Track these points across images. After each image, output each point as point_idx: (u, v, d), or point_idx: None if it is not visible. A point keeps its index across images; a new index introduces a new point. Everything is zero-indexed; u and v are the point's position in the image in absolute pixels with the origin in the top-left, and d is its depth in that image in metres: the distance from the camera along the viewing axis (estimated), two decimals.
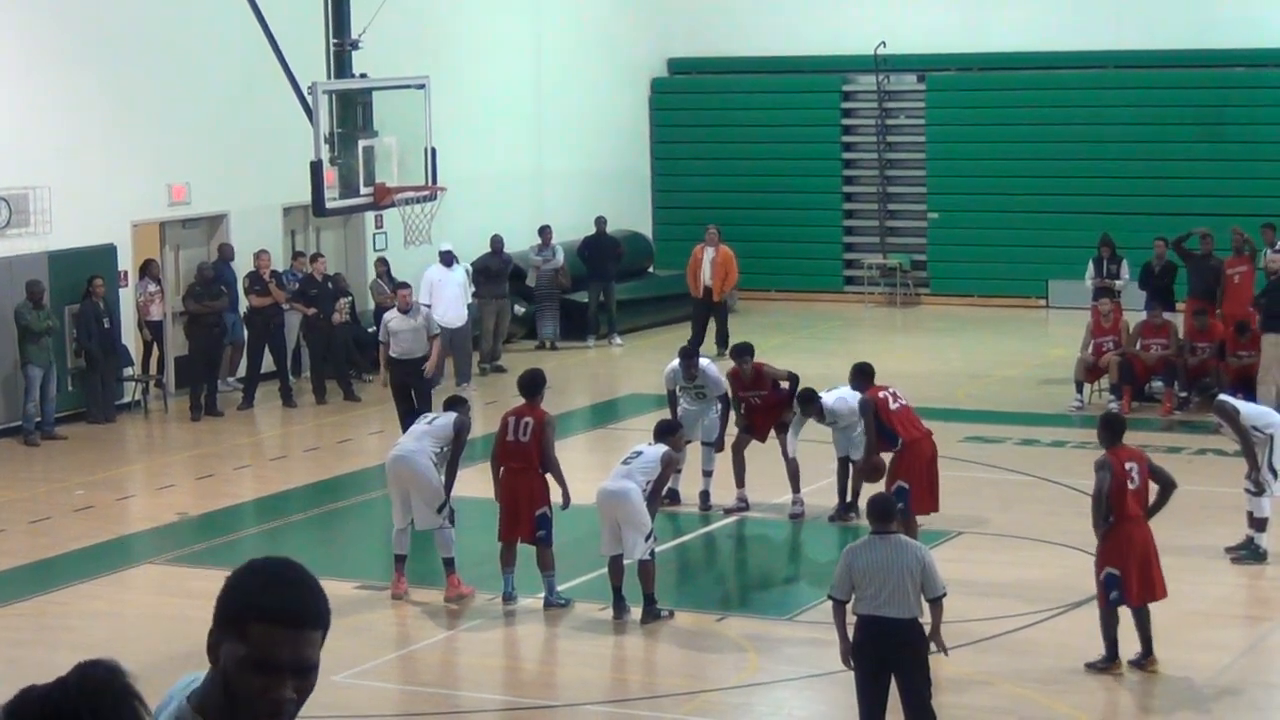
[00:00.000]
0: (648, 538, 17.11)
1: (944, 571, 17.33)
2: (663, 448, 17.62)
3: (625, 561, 17.20)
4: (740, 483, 20.73)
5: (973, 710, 14.90)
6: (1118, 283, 28.20)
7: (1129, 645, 15.61)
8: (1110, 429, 15.78)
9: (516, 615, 17.71)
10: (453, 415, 18.20)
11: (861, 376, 19.20)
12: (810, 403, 20.13)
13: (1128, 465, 15.38)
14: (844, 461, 20.29)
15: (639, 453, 17.56)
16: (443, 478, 17.89)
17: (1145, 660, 15.57)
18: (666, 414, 20.69)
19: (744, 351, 20.81)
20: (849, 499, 20.21)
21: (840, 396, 20.05)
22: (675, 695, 15.63)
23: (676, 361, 21.10)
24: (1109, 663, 15.53)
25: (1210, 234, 28.15)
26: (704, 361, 21.20)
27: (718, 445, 20.87)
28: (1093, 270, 28.82)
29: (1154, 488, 15.61)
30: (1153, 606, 17.34)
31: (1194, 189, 33.62)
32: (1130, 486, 15.30)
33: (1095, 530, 15.55)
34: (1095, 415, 25.51)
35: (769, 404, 20.56)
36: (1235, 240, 27.71)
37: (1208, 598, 17.92)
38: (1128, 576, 15.22)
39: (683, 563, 19.72)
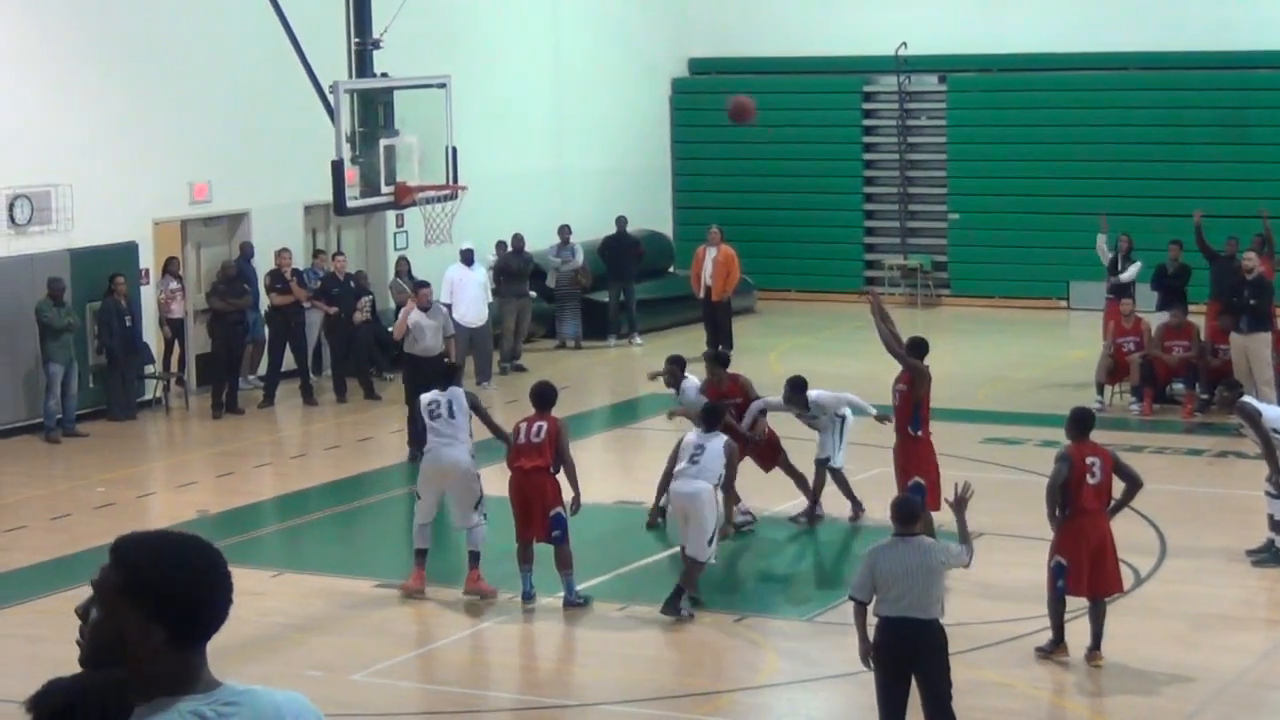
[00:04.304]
0: (710, 541, 17.38)
1: (963, 573, 17.35)
2: (721, 438, 17.77)
3: (687, 553, 17.39)
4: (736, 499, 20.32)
5: (992, 713, 14.88)
6: (1123, 276, 28.06)
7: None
8: (1077, 424, 16.03)
9: (535, 614, 17.72)
10: (458, 392, 18.31)
11: (916, 350, 18.89)
12: (799, 390, 20.07)
13: (1089, 460, 15.62)
14: (821, 465, 20.22)
15: (700, 448, 17.57)
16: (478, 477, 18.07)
17: (1092, 654, 15.74)
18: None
19: (719, 360, 20.59)
20: (816, 500, 20.38)
21: (828, 390, 20.10)
22: (693, 695, 15.63)
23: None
24: (1054, 647, 15.83)
25: (1235, 235, 28.17)
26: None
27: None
28: (1107, 267, 28.67)
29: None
30: (1174, 608, 17.38)
31: (1216, 190, 33.53)
32: (1090, 481, 15.57)
33: (1049, 520, 15.80)
34: (1117, 417, 25.77)
35: (741, 411, 20.10)
36: (1255, 243, 27.57)
37: (1228, 600, 17.89)
38: (1077, 567, 15.52)
39: None
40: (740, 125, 21.55)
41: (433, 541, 18.31)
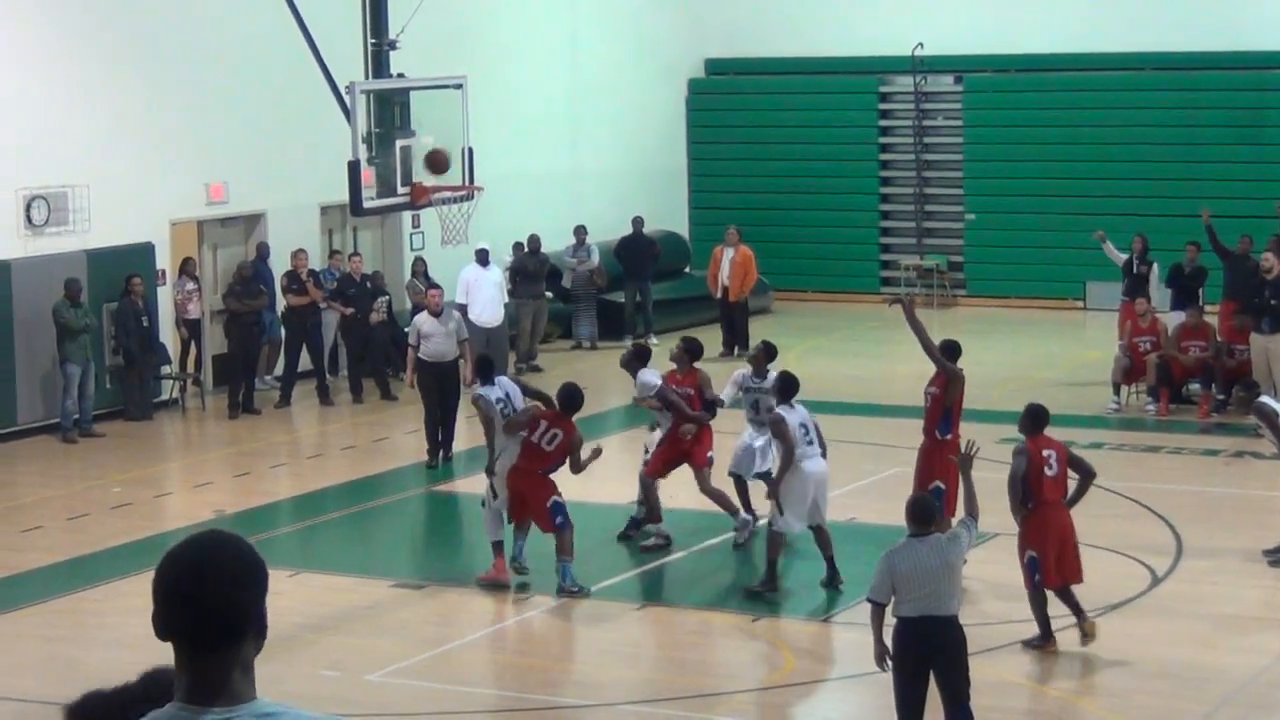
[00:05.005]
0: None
1: (980, 573, 17.38)
2: (802, 408, 18.08)
3: (824, 526, 17.92)
4: (658, 517, 19.70)
5: (1010, 713, 14.88)
6: (1153, 280, 28.00)
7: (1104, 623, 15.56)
8: (1032, 418, 16.40)
9: (550, 614, 17.74)
10: (507, 383, 18.92)
11: (949, 354, 18.87)
12: (770, 355, 19.68)
13: (1045, 453, 16.04)
14: (738, 479, 19.65)
15: (805, 426, 17.80)
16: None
17: (1082, 623, 16.00)
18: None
19: (690, 352, 19.81)
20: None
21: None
22: (710, 695, 15.63)
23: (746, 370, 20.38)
24: (1044, 641, 16.01)
25: (1249, 235, 28.14)
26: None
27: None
28: (1123, 265, 28.65)
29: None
30: (1191, 609, 17.38)
31: (1231, 191, 33.51)
32: (1047, 473, 15.99)
33: (1013, 514, 16.07)
34: (1133, 417, 25.77)
35: (693, 405, 19.39)
36: (1272, 243, 27.50)
37: (1245, 600, 17.87)
38: (1045, 559, 15.86)
39: (717, 563, 19.65)
40: (437, 172, 21.86)
41: (448, 544, 18.32)
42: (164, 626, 3.88)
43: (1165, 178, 34.53)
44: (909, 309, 18.55)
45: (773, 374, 19.43)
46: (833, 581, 17.95)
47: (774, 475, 18.03)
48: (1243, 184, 33.67)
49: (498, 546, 18.25)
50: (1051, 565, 15.87)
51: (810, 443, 17.81)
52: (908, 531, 13.20)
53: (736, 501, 19.51)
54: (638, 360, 20.04)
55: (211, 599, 3.83)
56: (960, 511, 18.19)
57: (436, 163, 21.80)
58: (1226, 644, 16.48)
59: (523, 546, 18.11)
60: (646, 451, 19.91)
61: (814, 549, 20.37)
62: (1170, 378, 26.02)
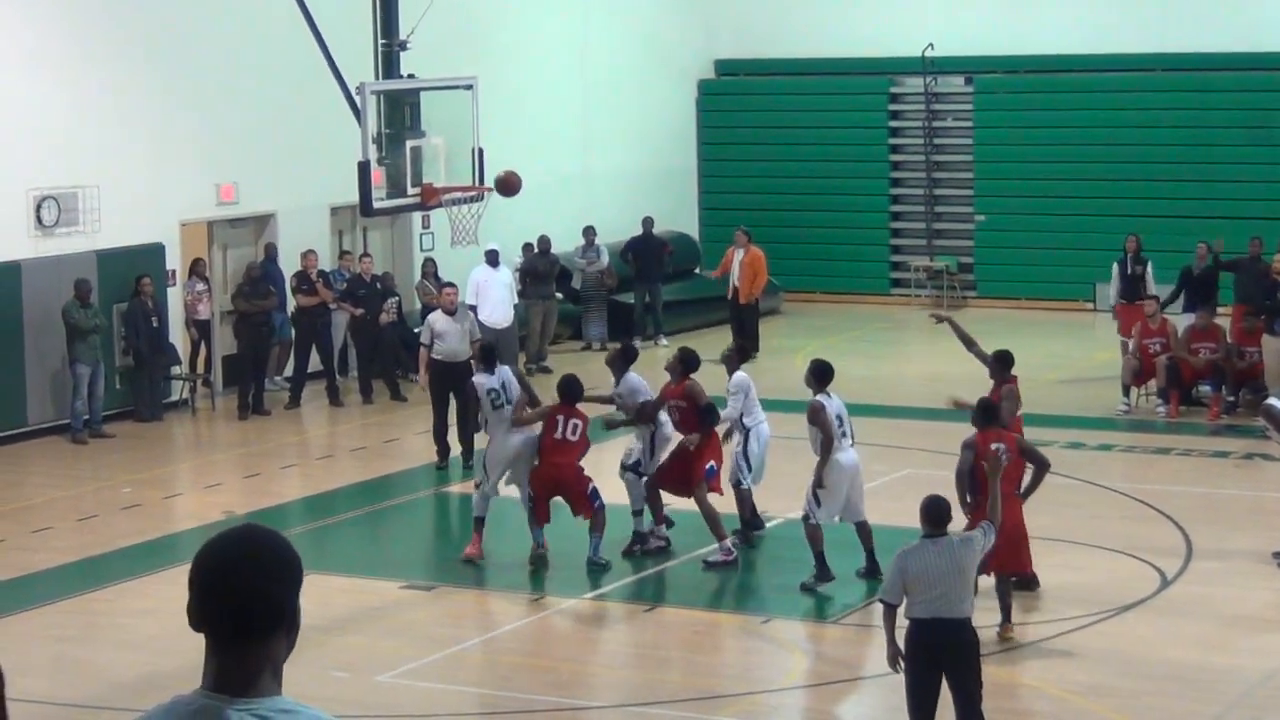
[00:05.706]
0: None
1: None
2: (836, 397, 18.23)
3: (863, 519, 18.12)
4: (660, 520, 19.58)
5: (1022, 715, 14.88)
6: (1151, 289, 27.93)
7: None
8: (982, 412, 16.73)
9: (559, 616, 17.76)
10: (506, 373, 19.56)
11: (1001, 364, 18.85)
12: (743, 357, 19.92)
13: (994, 445, 16.14)
14: (734, 489, 19.46)
15: (840, 418, 17.92)
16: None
17: (1004, 627, 16.19)
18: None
19: (685, 363, 19.33)
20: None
21: (748, 386, 19.39)
22: (720, 697, 15.63)
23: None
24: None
25: (1260, 237, 28.10)
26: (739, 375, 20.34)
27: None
28: (1117, 272, 28.67)
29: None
30: (1200, 610, 17.35)
31: (1242, 192, 33.50)
32: None
33: (960, 507, 15.92)
34: (1143, 419, 25.74)
35: (686, 417, 19.11)
36: None
37: (1255, 602, 17.84)
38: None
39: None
40: (507, 194, 22.32)
41: (458, 546, 18.36)
42: (198, 617, 3.94)
43: (1176, 179, 34.50)
44: (952, 325, 18.78)
45: (738, 374, 19.48)
46: (873, 573, 17.94)
47: (816, 468, 17.88)
48: (1254, 185, 33.64)
49: (478, 523, 19.06)
50: (992, 555, 15.85)
51: (844, 434, 17.90)
52: (921, 532, 13.19)
53: (726, 528, 19.05)
54: (624, 360, 19.95)
55: (245, 592, 3.89)
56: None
57: (509, 185, 22.15)
58: (1236, 646, 16.47)
59: (542, 535, 18.81)
60: (625, 460, 19.74)
61: (832, 547, 20.41)
62: (1180, 379, 25.99)
